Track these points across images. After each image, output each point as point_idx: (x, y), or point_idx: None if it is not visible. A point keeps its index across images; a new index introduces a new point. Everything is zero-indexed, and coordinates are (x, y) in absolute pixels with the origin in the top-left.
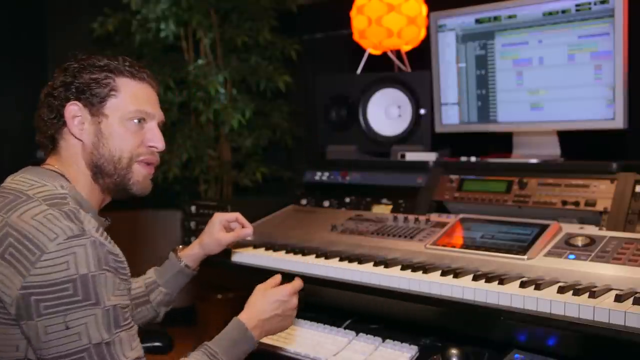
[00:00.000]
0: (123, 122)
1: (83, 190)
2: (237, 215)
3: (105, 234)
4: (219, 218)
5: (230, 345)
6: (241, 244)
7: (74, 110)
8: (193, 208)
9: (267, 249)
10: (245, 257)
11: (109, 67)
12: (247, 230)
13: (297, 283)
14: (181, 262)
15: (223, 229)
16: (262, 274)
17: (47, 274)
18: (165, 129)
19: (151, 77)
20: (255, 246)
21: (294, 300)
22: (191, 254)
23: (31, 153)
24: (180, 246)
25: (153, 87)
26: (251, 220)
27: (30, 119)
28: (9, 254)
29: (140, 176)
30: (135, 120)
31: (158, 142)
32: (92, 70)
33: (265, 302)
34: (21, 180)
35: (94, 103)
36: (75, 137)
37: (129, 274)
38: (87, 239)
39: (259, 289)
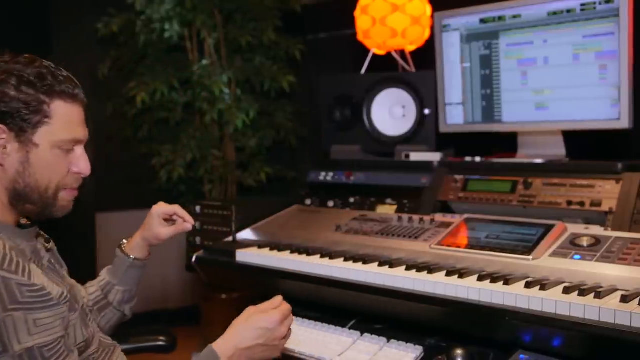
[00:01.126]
0: (52, 150)
1: None
2: (175, 208)
3: (17, 259)
4: (157, 211)
5: None
6: (246, 243)
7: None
8: (198, 208)
9: (271, 249)
10: (249, 257)
11: (43, 87)
12: (187, 225)
13: (285, 307)
14: (129, 257)
15: (163, 222)
16: (267, 274)
17: None
18: (170, 128)
19: (83, 93)
20: (260, 246)
21: (282, 329)
22: (136, 247)
23: None
24: (125, 240)
25: (84, 103)
26: (255, 220)
27: None
28: None
29: (65, 202)
30: (65, 149)
31: (85, 169)
32: (23, 90)
33: (248, 328)
34: None
35: (25, 129)
36: None
37: (62, 294)
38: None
39: (247, 312)
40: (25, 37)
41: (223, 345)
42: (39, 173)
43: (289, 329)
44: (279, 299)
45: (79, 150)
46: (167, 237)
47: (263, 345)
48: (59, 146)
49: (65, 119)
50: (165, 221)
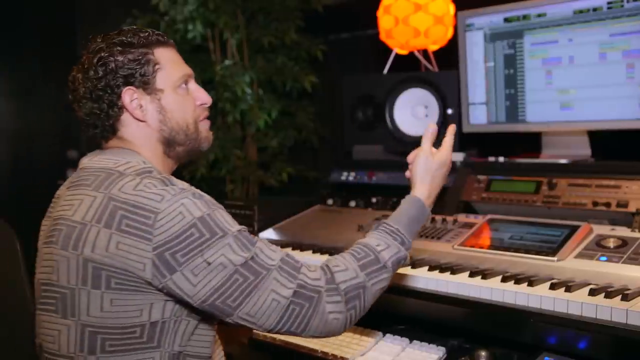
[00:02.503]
0: (175, 91)
1: (157, 165)
2: None
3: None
4: None
5: (409, 222)
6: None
7: (130, 95)
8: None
9: (293, 248)
10: None
11: (140, 42)
12: None
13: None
14: None
15: None
16: None
17: (168, 229)
18: None
19: (167, 37)
20: (282, 246)
21: (442, 155)
22: None
23: (63, 152)
24: None
25: (175, 47)
26: (277, 220)
27: (61, 120)
28: (126, 225)
29: (205, 132)
30: (184, 85)
31: (205, 97)
32: (127, 51)
33: (433, 171)
34: (103, 159)
35: (146, 82)
36: (139, 120)
37: None
38: (188, 192)
39: (421, 157)
40: (52, 38)
41: (422, 193)
42: (176, 114)
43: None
44: (432, 126)
45: (193, 85)
46: None
47: (444, 174)
48: (177, 85)
49: (170, 60)
50: None
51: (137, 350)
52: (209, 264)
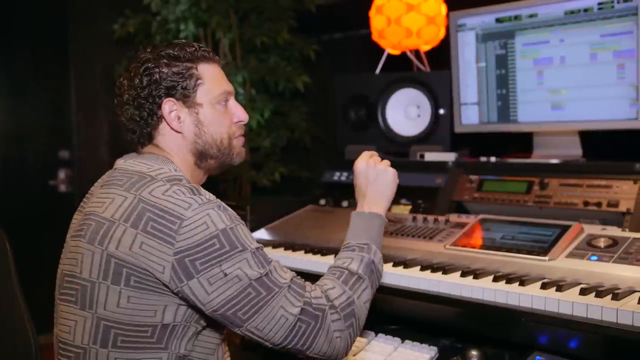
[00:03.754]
0: (214, 106)
1: (186, 174)
2: None
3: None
4: None
5: (357, 232)
6: (260, 243)
7: (170, 107)
8: None
9: (286, 248)
10: None
11: (186, 57)
12: None
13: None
14: None
15: None
16: None
17: (191, 236)
18: None
19: (214, 54)
20: (274, 246)
21: (371, 162)
22: None
23: (54, 152)
24: None
25: (219, 63)
26: (270, 220)
27: (53, 120)
28: (151, 227)
29: (239, 149)
30: (223, 102)
31: (243, 115)
32: (172, 64)
33: (363, 184)
34: (137, 163)
35: (187, 95)
36: (175, 131)
37: None
38: (214, 204)
39: (359, 165)
40: (44, 37)
41: (365, 205)
42: (212, 128)
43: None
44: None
45: (232, 102)
46: None
47: (375, 182)
48: (216, 101)
49: (212, 77)
50: None
51: (146, 349)
52: (226, 275)
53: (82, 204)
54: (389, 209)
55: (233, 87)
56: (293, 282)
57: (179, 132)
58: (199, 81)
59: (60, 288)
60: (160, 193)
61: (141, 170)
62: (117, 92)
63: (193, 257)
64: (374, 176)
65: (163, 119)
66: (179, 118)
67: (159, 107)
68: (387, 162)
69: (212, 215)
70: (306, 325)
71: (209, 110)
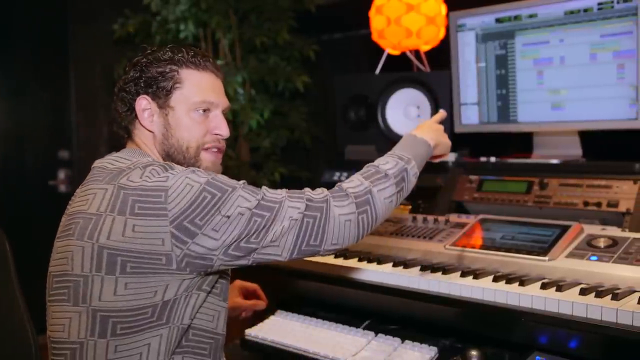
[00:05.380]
0: (189, 113)
1: None
2: (256, 287)
3: None
4: (240, 284)
5: (405, 146)
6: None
7: (143, 103)
8: None
9: None
10: None
11: (172, 59)
12: (262, 303)
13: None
14: None
15: (241, 294)
16: (281, 274)
17: (180, 200)
18: None
19: (215, 66)
20: None
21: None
22: None
23: (54, 152)
24: None
25: (217, 75)
26: None
27: (53, 120)
28: (139, 209)
29: (208, 162)
30: (200, 111)
31: (222, 129)
32: (158, 64)
33: (431, 125)
34: (115, 159)
35: (161, 96)
36: (146, 129)
37: None
38: (188, 170)
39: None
40: (44, 38)
41: (422, 133)
42: (179, 133)
43: None
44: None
45: (215, 114)
46: (242, 309)
47: (436, 130)
48: (193, 108)
49: (194, 84)
50: (242, 295)
51: (146, 330)
52: (228, 217)
53: (67, 207)
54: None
55: (225, 102)
56: (290, 192)
57: (150, 131)
58: (177, 85)
59: (50, 290)
60: (138, 177)
61: (119, 165)
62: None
63: (190, 217)
64: (441, 130)
65: (137, 115)
66: (152, 116)
67: (134, 101)
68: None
69: (191, 177)
70: (312, 219)
71: (180, 115)
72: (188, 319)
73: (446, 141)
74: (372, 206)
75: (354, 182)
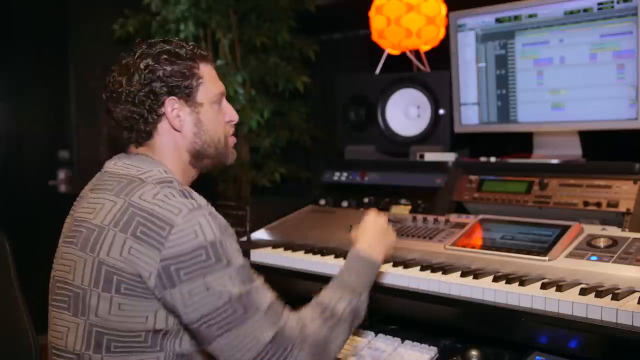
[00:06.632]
0: (212, 106)
1: (178, 175)
2: None
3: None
4: None
5: (354, 272)
6: (260, 243)
7: (172, 105)
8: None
9: (285, 248)
10: (263, 256)
11: (187, 55)
12: None
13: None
14: None
15: None
16: (281, 274)
17: (180, 244)
18: None
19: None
20: (274, 246)
21: (379, 218)
22: None
23: (54, 152)
24: None
25: (213, 63)
26: (269, 220)
27: (52, 120)
28: (140, 232)
29: (231, 148)
30: (219, 102)
31: (234, 115)
32: (174, 62)
33: (366, 234)
34: (126, 165)
35: (189, 95)
36: (176, 130)
37: None
38: (204, 210)
39: (369, 216)
40: (43, 38)
41: (369, 250)
42: (210, 128)
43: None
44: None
45: (224, 102)
46: None
47: (381, 234)
48: (214, 101)
49: (210, 76)
50: None
51: (141, 352)
52: (208, 289)
53: (73, 207)
54: (388, 209)
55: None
56: (271, 308)
57: (179, 131)
58: (200, 80)
59: (53, 294)
60: (151, 197)
61: (130, 173)
62: (109, 87)
63: (178, 266)
64: (382, 229)
65: (163, 117)
66: (179, 117)
67: (161, 105)
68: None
69: (203, 224)
70: (272, 353)
71: (208, 110)
72: (184, 348)
73: (389, 243)
74: (328, 353)
75: (315, 326)
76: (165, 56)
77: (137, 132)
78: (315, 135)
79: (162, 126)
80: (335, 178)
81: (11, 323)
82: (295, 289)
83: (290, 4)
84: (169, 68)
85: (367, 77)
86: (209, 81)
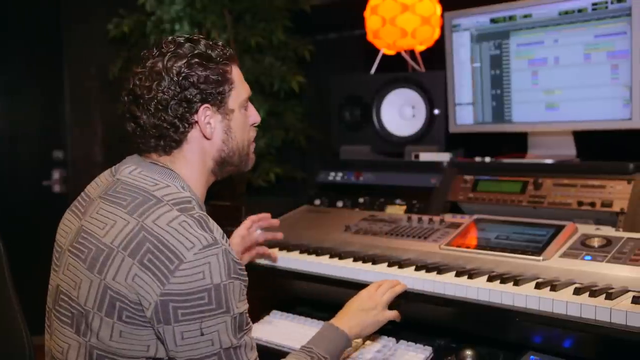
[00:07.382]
0: (241, 111)
1: (195, 185)
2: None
3: (227, 238)
4: (236, 234)
5: (323, 342)
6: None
7: (205, 113)
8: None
9: (280, 249)
10: (258, 256)
11: (220, 58)
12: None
13: (381, 281)
14: None
15: (243, 244)
16: (276, 274)
17: (185, 282)
18: None
19: None
20: (269, 246)
21: (376, 294)
22: None
23: (48, 152)
24: None
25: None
26: None
27: (47, 120)
28: (148, 260)
29: (252, 153)
30: (246, 106)
31: (257, 117)
32: (207, 66)
33: (351, 304)
34: (142, 177)
35: (221, 101)
36: (206, 138)
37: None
38: (218, 248)
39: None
40: (37, 37)
41: (345, 324)
42: (238, 134)
43: (390, 296)
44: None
45: (249, 104)
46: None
47: (362, 311)
48: (243, 105)
49: (240, 79)
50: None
51: None
52: (202, 334)
53: (77, 204)
54: (383, 209)
55: None
56: None
57: (209, 139)
58: (232, 85)
59: (56, 303)
60: (165, 222)
61: (145, 187)
62: (135, 92)
63: (177, 305)
64: (370, 307)
65: (195, 125)
66: (210, 124)
67: (194, 113)
68: (388, 299)
69: (212, 265)
70: None
71: (237, 115)
72: None
73: (369, 323)
74: None
75: None
76: (197, 59)
77: (165, 140)
78: (310, 135)
79: (193, 134)
80: (330, 178)
81: (5, 323)
82: (290, 289)
83: (285, 4)
84: (202, 74)
85: (362, 77)
86: (239, 85)
